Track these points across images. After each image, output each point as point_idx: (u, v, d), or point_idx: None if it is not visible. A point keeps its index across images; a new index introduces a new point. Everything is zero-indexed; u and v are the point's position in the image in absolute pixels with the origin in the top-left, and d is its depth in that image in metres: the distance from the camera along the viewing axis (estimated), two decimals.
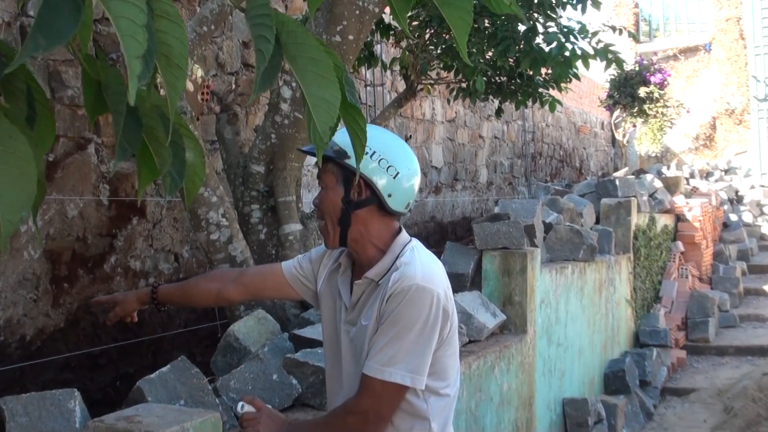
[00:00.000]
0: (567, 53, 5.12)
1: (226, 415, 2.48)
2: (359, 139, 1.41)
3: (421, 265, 2.03)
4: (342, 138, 2.01)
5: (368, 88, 7.72)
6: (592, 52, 5.10)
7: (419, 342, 1.98)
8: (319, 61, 1.27)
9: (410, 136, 9.82)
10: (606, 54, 5.07)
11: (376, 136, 2.07)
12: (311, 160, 6.48)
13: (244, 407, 2.20)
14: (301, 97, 1.30)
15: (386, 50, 8.29)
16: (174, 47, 1.13)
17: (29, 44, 0.97)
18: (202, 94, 5.55)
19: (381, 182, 2.05)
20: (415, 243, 2.14)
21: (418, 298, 1.97)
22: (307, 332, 3.26)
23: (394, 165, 2.05)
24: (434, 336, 1.99)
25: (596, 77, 16.39)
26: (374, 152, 2.05)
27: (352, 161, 2.03)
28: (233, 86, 5.91)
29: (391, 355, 1.97)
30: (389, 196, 2.06)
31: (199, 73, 5.51)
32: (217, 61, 5.83)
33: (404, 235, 2.15)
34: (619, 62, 5.16)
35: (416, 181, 2.12)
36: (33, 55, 0.97)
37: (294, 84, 4.36)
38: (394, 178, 2.05)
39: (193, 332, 5.41)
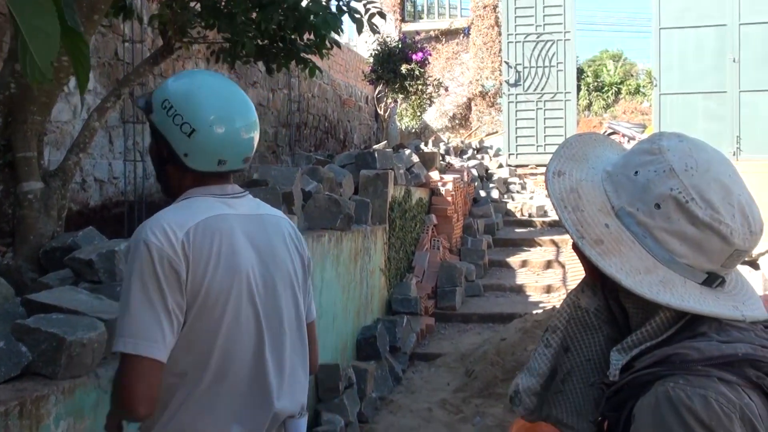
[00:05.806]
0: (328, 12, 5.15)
1: None
2: (82, 67, 1.27)
3: (155, 218, 1.85)
4: (166, 91, 1.89)
5: (126, 44, 7.27)
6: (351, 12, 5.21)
7: (140, 300, 1.75)
8: None
9: None
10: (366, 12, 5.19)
11: (182, 85, 1.90)
12: (58, 115, 6.02)
13: None
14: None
15: (147, 6, 7.87)
16: None
17: None
18: None
19: (175, 141, 1.88)
20: (208, 198, 1.92)
21: (135, 251, 1.79)
22: (42, 297, 3.01)
23: (190, 121, 1.85)
24: (161, 295, 1.76)
25: (362, 51, 16.71)
26: (171, 106, 1.86)
27: (154, 116, 1.89)
28: None
29: (117, 321, 1.80)
30: (185, 155, 1.88)
31: None
32: None
33: (208, 188, 1.94)
34: (383, 14, 5.30)
35: (231, 135, 1.89)
36: None
37: None
38: (189, 136, 1.85)
39: None
